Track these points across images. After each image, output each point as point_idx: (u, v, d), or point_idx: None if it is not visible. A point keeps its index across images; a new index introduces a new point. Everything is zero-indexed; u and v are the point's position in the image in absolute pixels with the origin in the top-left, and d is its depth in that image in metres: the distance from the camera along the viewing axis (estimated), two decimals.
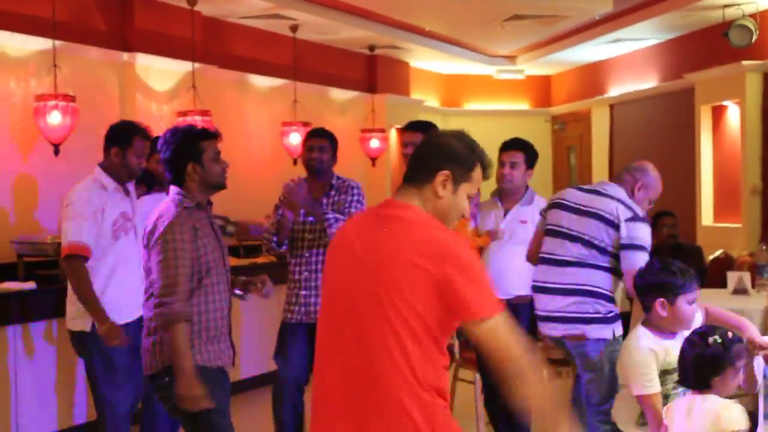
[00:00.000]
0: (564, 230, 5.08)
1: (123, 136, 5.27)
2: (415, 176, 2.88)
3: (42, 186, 7.40)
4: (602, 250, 4.99)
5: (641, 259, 4.88)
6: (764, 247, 7.90)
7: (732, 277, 7.19)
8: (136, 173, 5.37)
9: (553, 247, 5.11)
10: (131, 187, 5.44)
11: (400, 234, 2.77)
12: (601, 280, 5.00)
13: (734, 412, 3.67)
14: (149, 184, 6.09)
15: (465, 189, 2.89)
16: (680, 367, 3.86)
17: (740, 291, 6.99)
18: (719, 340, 3.72)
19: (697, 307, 4.12)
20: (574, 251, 5.01)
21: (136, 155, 5.26)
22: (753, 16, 9.38)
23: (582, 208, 5.06)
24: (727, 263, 8.48)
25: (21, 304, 6.24)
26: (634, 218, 4.98)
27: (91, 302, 5.01)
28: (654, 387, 3.97)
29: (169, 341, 4.02)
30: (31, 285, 6.42)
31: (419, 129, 5.78)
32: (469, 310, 2.70)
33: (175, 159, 4.19)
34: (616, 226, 4.95)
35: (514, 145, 6.00)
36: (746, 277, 7.15)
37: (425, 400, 2.71)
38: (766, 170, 9.69)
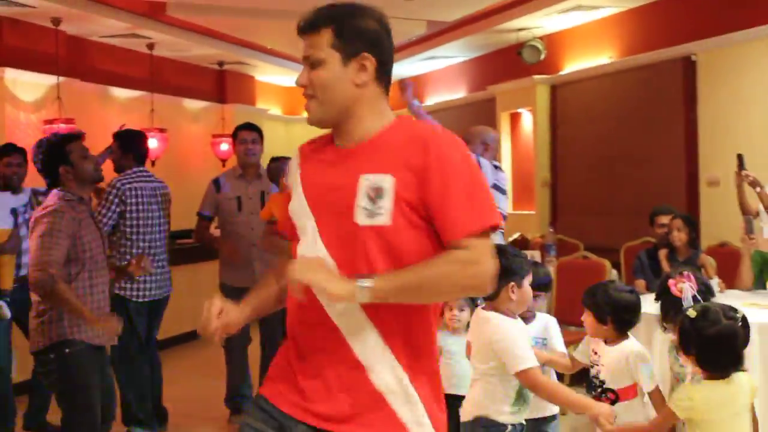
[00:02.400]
0: None
1: None
2: None
3: None
4: None
5: None
6: (552, 231, 8.25)
7: (527, 255, 7.50)
8: None
9: None
10: None
11: None
12: None
13: None
14: None
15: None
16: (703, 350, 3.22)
17: None
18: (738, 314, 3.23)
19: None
20: None
21: None
22: (542, 38, 9.65)
23: None
24: (523, 243, 8.80)
25: None
26: None
27: None
28: (534, 360, 3.40)
29: (57, 303, 3.90)
30: None
31: (254, 128, 6.15)
32: None
33: (46, 166, 4.15)
34: None
35: None
36: (537, 254, 7.44)
37: None
38: (555, 167, 9.97)
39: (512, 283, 3.41)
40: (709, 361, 3.18)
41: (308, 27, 2.13)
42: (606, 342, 3.68)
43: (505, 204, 5.61)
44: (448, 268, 2.06)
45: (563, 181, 9.85)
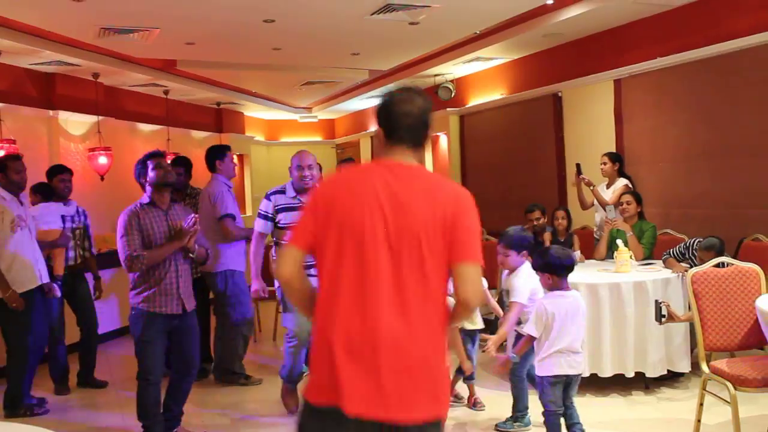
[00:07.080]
0: None
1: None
2: (414, 142, 2.11)
3: None
4: None
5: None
6: None
7: None
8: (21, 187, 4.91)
9: None
10: (24, 197, 5.00)
11: (426, 183, 2.05)
12: None
13: None
14: (48, 195, 5.57)
15: None
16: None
17: None
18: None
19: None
20: None
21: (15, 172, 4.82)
22: (452, 80, 9.69)
23: None
24: None
25: None
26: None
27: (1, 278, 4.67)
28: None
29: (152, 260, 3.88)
30: None
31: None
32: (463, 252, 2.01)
33: (137, 178, 4.08)
34: None
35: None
36: None
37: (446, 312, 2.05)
38: (464, 173, 9.99)
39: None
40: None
41: None
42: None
43: None
44: None
45: (471, 184, 9.79)
